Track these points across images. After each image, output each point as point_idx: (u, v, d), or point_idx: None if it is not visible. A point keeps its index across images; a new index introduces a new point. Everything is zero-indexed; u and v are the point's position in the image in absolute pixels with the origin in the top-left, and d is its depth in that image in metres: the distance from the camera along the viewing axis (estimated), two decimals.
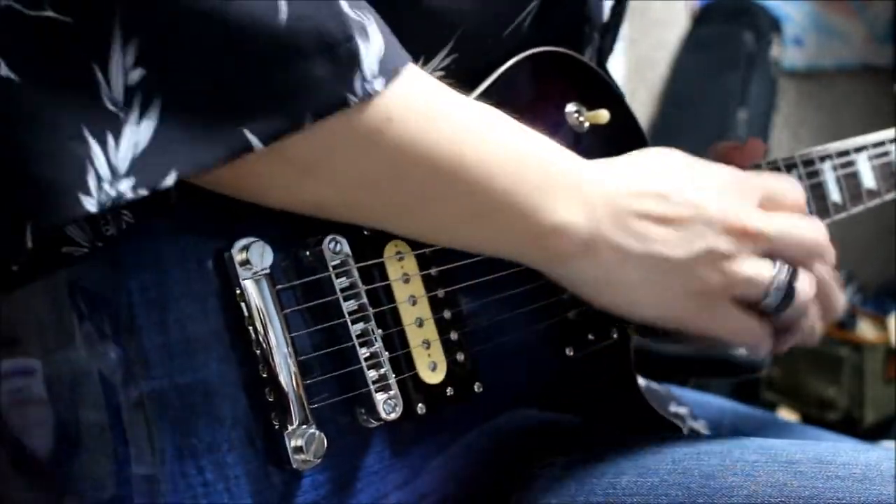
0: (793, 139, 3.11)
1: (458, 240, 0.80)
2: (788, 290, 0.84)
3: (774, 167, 1.04)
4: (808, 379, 2.89)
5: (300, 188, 0.73)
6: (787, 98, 3.10)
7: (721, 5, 2.98)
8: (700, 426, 1.19)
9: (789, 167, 1.06)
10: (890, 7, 3.21)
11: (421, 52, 0.84)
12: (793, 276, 0.84)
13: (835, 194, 1.09)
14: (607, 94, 0.94)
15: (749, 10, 2.91)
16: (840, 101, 3.27)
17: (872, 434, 2.72)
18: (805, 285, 0.86)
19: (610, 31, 1.04)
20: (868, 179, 1.13)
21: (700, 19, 2.98)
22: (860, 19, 3.22)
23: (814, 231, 0.87)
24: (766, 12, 2.92)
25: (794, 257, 0.85)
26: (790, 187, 0.90)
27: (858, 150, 1.13)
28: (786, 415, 2.79)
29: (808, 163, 1.07)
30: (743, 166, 1.05)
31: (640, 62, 2.89)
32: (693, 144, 2.82)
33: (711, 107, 2.80)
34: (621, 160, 0.85)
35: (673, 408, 1.19)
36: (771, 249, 0.84)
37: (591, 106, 0.93)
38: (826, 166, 1.09)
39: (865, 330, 2.86)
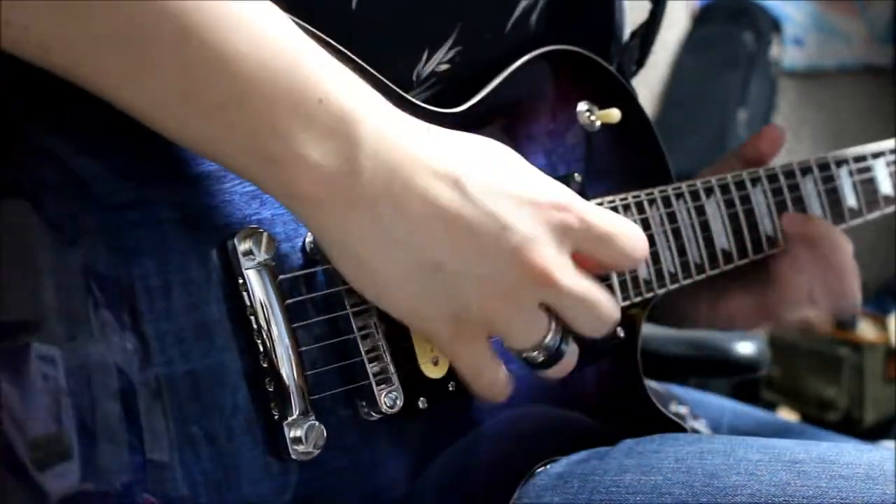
0: (793, 139, 3.12)
1: (176, 123, 0.67)
2: (554, 356, 0.75)
3: (788, 171, 1.04)
4: (808, 379, 2.90)
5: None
6: (787, 98, 3.11)
7: (721, 5, 2.98)
8: (700, 425, 1.19)
9: (804, 171, 1.06)
10: (890, 7, 3.22)
11: (425, 43, 0.84)
12: (562, 342, 0.75)
13: (851, 199, 1.09)
14: (619, 93, 0.94)
15: (749, 10, 2.92)
16: (840, 101, 3.28)
17: (872, 434, 2.73)
18: (573, 356, 0.77)
19: (628, 52, 1.04)
20: (885, 185, 1.13)
21: (700, 19, 2.99)
22: (861, 19, 3.23)
23: (610, 312, 0.75)
24: (766, 12, 2.93)
25: (575, 322, 0.74)
26: (622, 239, 0.75)
27: (876, 155, 1.13)
28: (786, 415, 2.80)
29: (824, 167, 1.07)
30: (764, 155, 1.04)
31: None
32: (693, 144, 2.84)
33: (711, 107, 2.81)
34: (444, 130, 0.73)
35: (673, 407, 1.19)
36: (556, 307, 0.73)
37: (603, 105, 0.92)
38: (842, 171, 1.09)
39: (865, 330, 2.87)
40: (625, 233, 0.75)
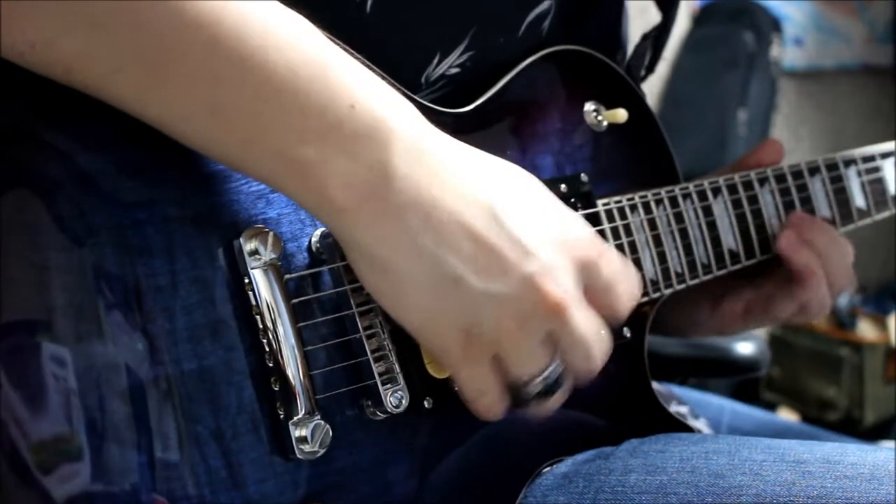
0: (793, 139, 3.12)
1: (204, 134, 0.68)
2: (550, 389, 0.75)
3: (796, 171, 1.04)
4: (808, 379, 2.90)
5: (28, 20, 0.63)
6: (787, 98, 3.11)
7: (721, 5, 2.98)
8: (701, 425, 1.19)
9: (812, 171, 1.06)
10: (890, 7, 3.22)
11: (437, 47, 0.84)
12: (561, 377, 0.75)
13: (859, 199, 1.09)
14: (626, 93, 0.94)
15: (749, 10, 2.92)
16: (840, 101, 3.28)
17: (872, 434, 2.73)
18: (566, 390, 0.77)
19: (636, 55, 1.05)
20: (894, 186, 1.13)
21: (700, 19, 2.99)
22: (861, 20, 3.23)
23: (605, 352, 0.76)
24: (766, 12, 2.93)
25: (571, 362, 0.75)
26: (629, 287, 0.77)
27: (885, 155, 1.12)
28: (786, 415, 2.80)
29: (832, 167, 1.07)
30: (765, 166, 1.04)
31: None
32: (693, 144, 2.83)
33: (711, 107, 2.81)
34: (478, 152, 0.74)
35: (674, 407, 1.19)
36: (560, 340, 0.73)
37: (610, 105, 0.92)
38: (851, 171, 1.09)
39: (865, 330, 2.87)
40: (625, 285, 0.76)
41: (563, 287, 0.71)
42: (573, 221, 0.75)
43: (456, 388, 0.76)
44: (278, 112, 0.66)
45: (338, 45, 0.72)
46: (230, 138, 0.67)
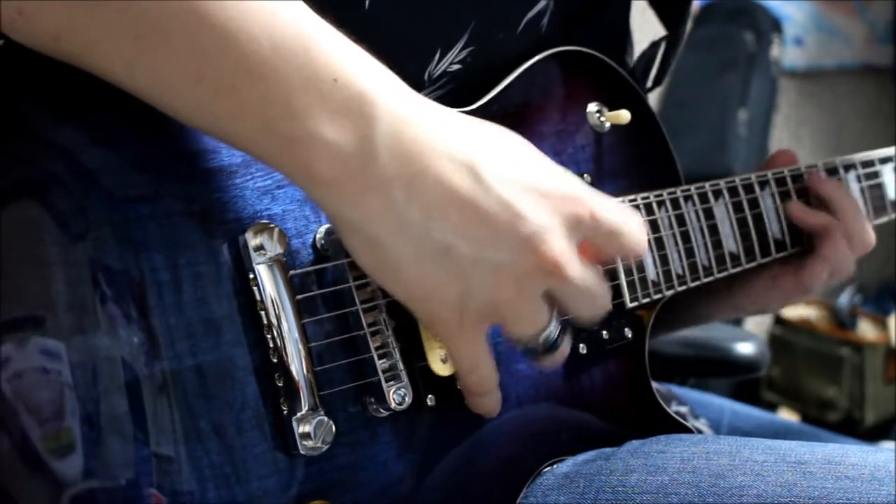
0: (793, 139, 3.12)
1: (190, 106, 0.67)
2: (551, 347, 0.75)
3: (797, 174, 1.04)
4: (808, 379, 2.90)
5: None
6: (787, 98, 3.11)
7: (721, 5, 2.98)
8: (701, 425, 1.19)
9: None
10: (890, 7, 3.22)
11: (438, 43, 0.84)
12: (562, 334, 0.75)
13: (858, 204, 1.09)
14: (629, 94, 0.94)
15: (749, 10, 2.92)
16: (840, 101, 3.28)
17: (872, 434, 2.73)
18: (566, 347, 0.77)
19: (642, 62, 1.05)
20: (893, 191, 1.13)
21: (700, 19, 2.99)
22: (861, 20, 3.23)
23: (607, 302, 0.76)
24: (766, 12, 2.93)
25: (576, 312, 0.75)
26: (636, 225, 0.76)
27: (884, 160, 1.13)
28: (786, 415, 2.80)
29: (832, 171, 1.07)
30: None
31: None
32: (693, 144, 2.83)
33: (711, 107, 2.81)
34: (462, 115, 0.73)
35: (674, 407, 1.19)
36: (560, 296, 0.73)
37: (613, 106, 0.92)
38: (850, 176, 1.09)
39: (865, 330, 2.87)
40: (630, 229, 0.75)
41: (557, 246, 0.70)
42: (562, 177, 0.73)
43: (456, 377, 0.76)
44: (261, 85, 0.65)
45: None
46: (215, 111, 0.66)
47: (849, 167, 1.09)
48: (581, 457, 0.87)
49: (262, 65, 0.65)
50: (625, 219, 0.75)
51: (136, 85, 0.67)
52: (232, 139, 0.69)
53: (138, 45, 0.65)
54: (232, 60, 0.65)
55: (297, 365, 0.72)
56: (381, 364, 0.76)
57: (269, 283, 0.72)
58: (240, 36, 0.65)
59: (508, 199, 0.69)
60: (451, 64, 0.85)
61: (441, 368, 0.79)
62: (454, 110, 0.72)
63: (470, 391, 0.77)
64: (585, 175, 0.90)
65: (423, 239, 0.68)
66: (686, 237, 0.95)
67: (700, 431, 1.10)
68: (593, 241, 0.74)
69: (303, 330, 0.73)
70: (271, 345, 0.72)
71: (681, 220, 0.95)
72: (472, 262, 0.69)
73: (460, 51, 0.86)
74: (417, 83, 0.85)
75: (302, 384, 0.72)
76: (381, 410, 0.76)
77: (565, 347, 0.76)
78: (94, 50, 0.65)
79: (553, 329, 0.74)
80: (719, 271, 0.98)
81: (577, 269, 0.71)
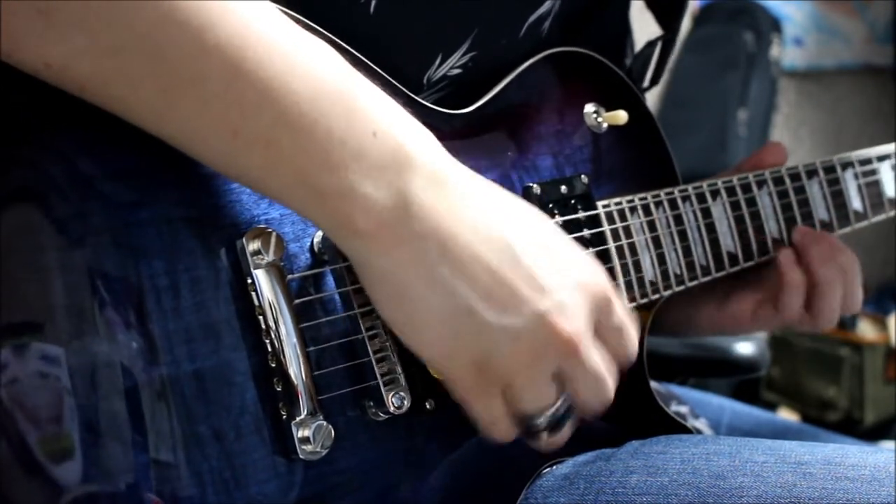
0: (793, 139, 3.12)
1: (224, 158, 0.68)
2: (557, 424, 0.75)
3: (794, 174, 1.04)
4: (808, 379, 2.90)
5: (43, 40, 0.63)
6: (787, 98, 3.11)
7: (721, 5, 2.98)
8: (701, 424, 1.19)
9: (810, 173, 1.06)
10: (890, 7, 3.22)
11: (440, 48, 0.84)
12: (567, 413, 0.76)
13: (856, 202, 1.09)
14: (627, 95, 0.94)
15: (749, 10, 2.92)
16: (840, 101, 3.27)
17: (872, 434, 2.73)
18: (567, 433, 0.77)
19: (640, 61, 1.05)
20: (890, 189, 1.13)
21: (700, 19, 2.98)
22: (861, 20, 3.23)
23: (611, 395, 0.76)
24: (766, 12, 2.93)
25: (583, 397, 0.75)
26: (632, 336, 0.77)
27: (881, 158, 1.13)
28: (786, 415, 2.80)
29: (829, 170, 1.08)
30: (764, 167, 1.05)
31: None
32: (693, 144, 2.82)
33: (711, 107, 2.81)
34: (494, 186, 0.74)
35: (674, 407, 1.19)
36: (571, 376, 0.73)
37: (610, 107, 0.92)
38: (848, 174, 1.09)
39: (865, 330, 2.87)
40: (634, 332, 0.77)
41: (576, 325, 0.71)
42: (586, 262, 0.75)
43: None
44: (299, 139, 0.65)
45: (333, 41, 0.72)
46: (250, 162, 0.67)
47: (846, 165, 1.09)
48: (581, 458, 0.87)
49: (301, 118, 0.65)
50: (631, 320, 0.77)
51: (166, 134, 0.67)
52: (264, 190, 0.70)
53: (168, 100, 0.65)
54: (269, 114, 0.65)
55: (296, 369, 0.72)
56: (379, 368, 0.76)
57: (266, 288, 0.72)
58: (279, 89, 0.65)
59: (534, 273, 0.70)
60: (451, 68, 0.86)
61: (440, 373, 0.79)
62: (484, 179, 0.73)
63: (488, 438, 0.77)
64: (583, 176, 0.90)
65: (449, 297, 0.69)
66: (684, 237, 0.95)
67: (700, 431, 1.10)
68: (599, 329, 0.74)
69: (301, 334, 0.73)
70: (270, 349, 0.72)
71: (678, 220, 0.95)
72: (493, 327, 0.70)
73: (462, 55, 0.86)
74: (416, 86, 0.85)
75: (301, 388, 0.72)
76: (380, 414, 0.76)
77: (566, 433, 0.76)
78: (121, 103, 0.66)
79: (560, 408, 0.75)
80: (717, 271, 0.98)
81: (591, 351, 0.73)
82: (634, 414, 0.93)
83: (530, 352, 0.71)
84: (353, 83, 0.68)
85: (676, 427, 0.95)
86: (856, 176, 1.10)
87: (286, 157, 0.66)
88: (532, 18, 0.90)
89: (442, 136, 0.72)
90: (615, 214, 0.91)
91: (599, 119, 0.93)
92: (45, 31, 0.62)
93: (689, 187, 0.97)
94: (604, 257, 0.89)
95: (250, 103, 0.65)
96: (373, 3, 0.82)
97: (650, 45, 1.05)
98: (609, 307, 0.74)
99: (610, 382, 0.75)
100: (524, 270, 0.70)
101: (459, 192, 0.70)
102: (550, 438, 0.76)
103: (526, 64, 0.89)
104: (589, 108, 0.92)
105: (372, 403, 0.76)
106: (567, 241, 0.75)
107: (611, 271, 0.89)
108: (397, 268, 0.69)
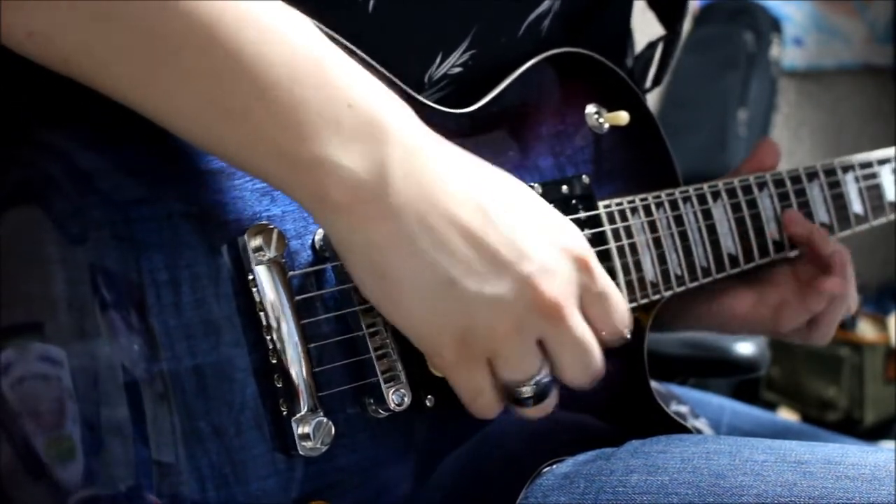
0: (793, 139, 3.12)
1: (202, 131, 0.68)
2: (539, 395, 0.75)
3: (794, 176, 1.04)
4: (808, 379, 2.90)
5: (28, 7, 0.63)
6: (787, 98, 3.11)
7: (721, 5, 2.98)
8: (701, 424, 1.19)
9: (810, 176, 1.06)
10: (890, 7, 3.22)
11: (440, 47, 0.84)
12: (549, 385, 0.75)
13: (857, 205, 1.09)
14: (628, 95, 0.95)
15: (749, 10, 2.92)
16: (840, 101, 3.28)
17: (872, 434, 2.73)
18: (554, 400, 0.77)
19: (641, 62, 1.05)
20: (891, 192, 1.13)
21: (700, 19, 2.99)
22: (861, 20, 3.23)
23: (598, 365, 0.75)
24: (766, 12, 2.93)
25: (565, 365, 0.74)
26: (619, 303, 0.77)
27: (882, 162, 1.13)
28: (786, 415, 2.80)
29: (830, 172, 1.08)
30: (766, 168, 1.05)
31: None
32: (693, 144, 2.83)
33: (711, 107, 2.81)
34: (471, 156, 0.73)
35: (674, 406, 1.20)
36: (553, 344, 0.73)
37: (612, 107, 0.93)
38: (848, 177, 1.09)
39: (865, 330, 2.87)
40: (619, 299, 0.76)
41: (558, 289, 0.71)
42: (567, 226, 0.74)
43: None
44: (275, 110, 0.66)
45: (339, 42, 0.72)
46: (228, 135, 0.67)
47: (847, 168, 1.09)
48: (581, 457, 0.87)
49: (276, 88, 0.65)
50: (615, 289, 0.76)
51: (148, 109, 0.67)
52: (243, 163, 0.69)
53: (148, 71, 0.65)
54: (245, 84, 0.65)
55: (297, 366, 0.72)
56: (379, 365, 0.76)
57: (267, 285, 0.72)
58: (254, 59, 0.65)
59: (515, 239, 0.70)
60: (452, 67, 0.86)
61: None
62: (460, 149, 0.73)
63: (474, 414, 0.76)
64: (584, 176, 0.90)
65: (429, 270, 0.69)
66: (684, 238, 0.95)
67: (700, 431, 1.10)
68: (582, 298, 0.74)
69: (302, 331, 0.73)
70: (270, 346, 0.72)
71: (679, 221, 0.95)
72: (475, 296, 0.69)
73: (462, 54, 0.86)
74: (417, 85, 0.85)
75: (301, 385, 0.72)
76: (381, 411, 0.76)
77: (551, 402, 0.76)
78: (103, 74, 0.66)
79: (545, 376, 0.74)
80: (718, 272, 0.99)
81: (575, 318, 0.72)
82: (634, 414, 0.93)
83: (513, 318, 0.70)
84: (328, 54, 0.68)
85: (676, 427, 0.95)
86: (856, 179, 1.10)
87: (262, 129, 0.66)
88: (531, 17, 0.90)
89: (444, 136, 0.72)
90: (616, 215, 0.91)
91: (601, 120, 0.93)
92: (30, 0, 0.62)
93: (690, 188, 0.97)
94: (604, 257, 0.89)
95: (225, 74, 0.65)
96: (371, 2, 0.82)
97: (651, 45, 1.05)
98: (591, 272, 0.74)
99: (596, 351, 0.74)
100: (504, 236, 0.70)
101: (437, 163, 0.69)
102: (535, 408, 0.76)
103: (528, 64, 0.89)
104: (590, 108, 0.93)
105: (372, 400, 0.76)
106: (547, 207, 0.74)
107: (611, 271, 0.89)
108: (377, 242, 0.68)
